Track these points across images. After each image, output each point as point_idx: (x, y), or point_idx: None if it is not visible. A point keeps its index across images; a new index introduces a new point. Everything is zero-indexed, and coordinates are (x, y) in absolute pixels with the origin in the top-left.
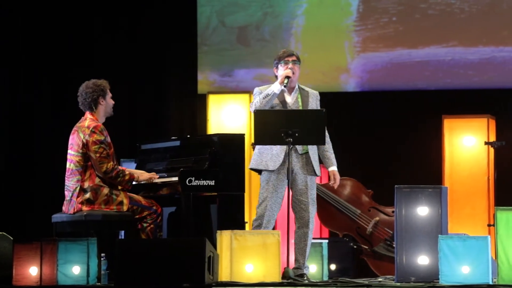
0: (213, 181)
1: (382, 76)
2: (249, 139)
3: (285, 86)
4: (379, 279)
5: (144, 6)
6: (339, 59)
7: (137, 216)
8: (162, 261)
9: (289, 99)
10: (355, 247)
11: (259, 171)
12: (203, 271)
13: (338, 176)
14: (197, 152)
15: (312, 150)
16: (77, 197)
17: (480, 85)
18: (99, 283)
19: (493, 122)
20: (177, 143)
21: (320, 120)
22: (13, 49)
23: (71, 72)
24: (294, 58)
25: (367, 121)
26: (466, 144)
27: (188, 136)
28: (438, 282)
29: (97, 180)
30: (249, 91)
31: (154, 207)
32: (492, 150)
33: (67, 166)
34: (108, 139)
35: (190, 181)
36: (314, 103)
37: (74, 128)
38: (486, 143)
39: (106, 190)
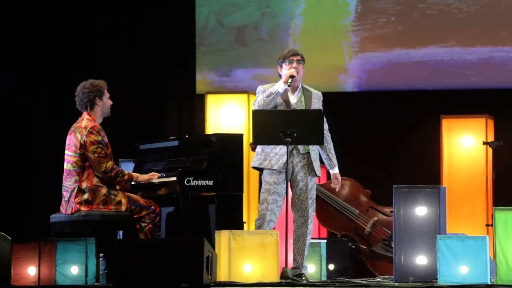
0: (212, 181)
1: (381, 76)
2: (247, 139)
3: (289, 85)
4: (378, 279)
5: (142, 6)
6: (338, 59)
7: (135, 216)
8: (160, 261)
9: (292, 98)
10: (353, 247)
11: (261, 170)
12: (202, 271)
13: (340, 179)
14: (195, 152)
15: (314, 150)
16: (75, 197)
17: (478, 85)
18: (97, 283)
19: (491, 122)
20: (176, 143)
21: (318, 120)
22: (13, 49)
23: (71, 72)
24: (298, 57)
25: (365, 121)
26: (465, 144)
27: (187, 136)
28: (437, 282)
29: (95, 180)
30: (247, 91)
31: (153, 207)
32: (490, 150)
33: (65, 166)
34: (106, 139)
35: (189, 181)
36: (317, 104)
37: (71, 129)
38: (484, 143)
39: (104, 190)
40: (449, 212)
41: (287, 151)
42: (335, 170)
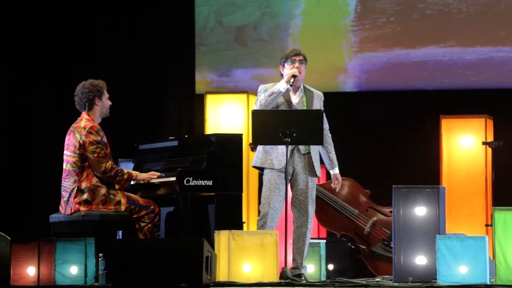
0: (211, 181)
1: (380, 76)
2: (247, 139)
3: (291, 85)
4: (377, 279)
5: (142, 6)
6: (337, 59)
7: (135, 216)
8: (160, 261)
9: (294, 98)
10: (353, 247)
11: (261, 169)
12: (201, 271)
13: (340, 179)
14: (195, 152)
15: (314, 150)
16: (75, 197)
17: (478, 85)
18: (96, 283)
19: (490, 122)
20: (175, 143)
21: (318, 120)
22: (13, 49)
23: (71, 72)
24: (301, 57)
25: (364, 121)
26: (464, 144)
27: (186, 136)
28: (436, 282)
29: (94, 180)
30: (246, 91)
31: (152, 207)
32: (489, 150)
33: (64, 166)
34: (105, 139)
35: (188, 181)
36: (318, 104)
37: (70, 129)
38: (483, 143)
39: (103, 190)
40: (449, 212)
41: (287, 151)
42: (335, 171)
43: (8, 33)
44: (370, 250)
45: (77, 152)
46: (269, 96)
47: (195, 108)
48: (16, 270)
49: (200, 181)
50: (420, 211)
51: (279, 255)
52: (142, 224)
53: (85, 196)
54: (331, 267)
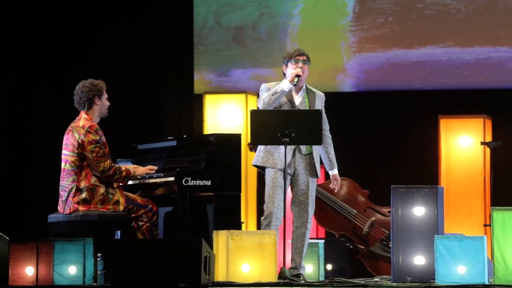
0: (210, 181)
1: (379, 76)
2: (245, 139)
3: (294, 85)
4: (376, 279)
5: (140, 6)
6: (336, 59)
7: (133, 215)
8: (158, 261)
9: (296, 99)
10: (351, 247)
11: (263, 169)
12: (200, 271)
13: (339, 180)
14: (193, 152)
15: (316, 151)
16: (73, 197)
17: (476, 85)
18: (95, 283)
19: (489, 122)
20: (174, 143)
21: (316, 120)
22: (13, 49)
23: (71, 72)
24: (304, 57)
25: (363, 121)
26: (462, 144)
27: (185, 136)
28: (434, 282)
29: (93, 179)
30: (245, 91)
31: (150, 206)
32: (488, 150)
33: (62, 166)
34: (103, 139)
35: (187, 181)
36: (319, 105)
37: (69, 128)
38: (482, 143)
39: (102, 190)
40: (447, 212)
41: (285, 151)
42: (334, 171)
43: (8, 33)
44: (369, 250)
45: (76, 151)
46: (272, 95)
47: (194, 108)
48: (15, 270)
49: (199, 181)
50: (419, 211)
51: (278, 255)
52: (141, 223)
53: (83, 195)
54: (329, 267)
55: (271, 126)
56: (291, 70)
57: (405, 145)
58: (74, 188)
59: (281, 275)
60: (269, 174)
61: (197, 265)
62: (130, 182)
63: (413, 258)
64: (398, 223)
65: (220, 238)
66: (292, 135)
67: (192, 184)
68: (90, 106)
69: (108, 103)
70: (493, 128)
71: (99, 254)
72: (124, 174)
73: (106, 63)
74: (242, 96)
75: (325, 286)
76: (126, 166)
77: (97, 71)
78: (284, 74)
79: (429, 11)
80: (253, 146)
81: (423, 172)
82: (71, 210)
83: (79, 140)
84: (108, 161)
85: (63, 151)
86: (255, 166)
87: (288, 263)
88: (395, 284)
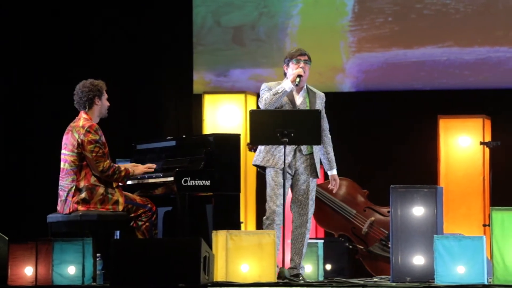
0: (209, 181)
1: (378, 76)
2: (244, 139)
3: (296, 85)
4: (375, 279)
5: (140, 6)
6: (335, 59)
7: (132, 215)
8: (157, 261)
9: (297, 99)
10: (350, 247)
11: (263, 168)
12: (199, 271)
13: (338, 180)
14: (192, 152)
15: (316, 151)
16: (73, 196)
17: (475, 85)
18: (94, 283)
19: (488, 122)
20: (173, 143)
21: (315, 120)
22: (13, 49)
23: (71, 72)
24: (306, 57)
25: (362, 121)
26: (462, 144)
27: (184, 136)
28: (434, 282)
29: (92, 179)
30: (244, 91)
31: (149, 205)
32: (487, 150)
33: (61, 166)
34: (103, 139)
35: (186, 181)
36: (320, 105)
37: (68, 128)
38: (481, 143)
39: (101, 190)
40: (446, 212)
41: (284, 151)
42: (333, 172)
43: (8, 33)
44: (368, 250)
45: (76, 151)
46: (274, 95)
47: (193, 108)
48: (14, 270)
49: (198, 181)
50: (418, 211)
51: (279, 254)
52: (140, 223)
53: (83, 195)
54: (328, 267)
55: (270, 126)
56: (292, 70)
57: (404, 145)
58: (74, 188)
59: (280, 275)
60: (270, 173)
61: (196, 265)
62: (129, 182)
63: (412, 258)
64: (397, 223)
65: (219, 238)
66: (292, 135)
67: (191, 184)
68: (90, 106)
69: (108, 104)
70: (492, 128)
71: (98, 254)
72: (123, 174)
73: (106, 63)
74: (241, 96)
75: (324, 286)
76: (125, 165)
77: (96, 71)
78: (285, 74)
79: (428, 11)
80: (252, 146)
81: (422, 172)
82: (71, 210)
83: (79, 140)
84: (108, 161)
85: (63, 151)
86: (256, 165)
87: (287, 263)
88: (394, 284)
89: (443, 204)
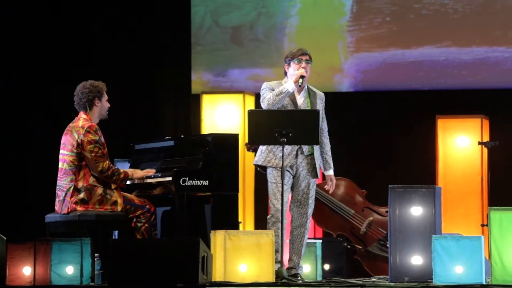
0: (207, 181)
1: (376, 76)
2: (243, 139)
3: (300, 86)
4: (373, 279)
5: (139, 6)
6: (333, 59)
7: (130, 216)
8: (156, 261)
9: (299, 99)
10: (349, 247)
11: (264, 168)
12: (197, 271)
13: (334, 181)
14: (191, 152)
15: (317, 152)
16: (71, 197)
17: (473, 85)
18: (92, 283)
19: (486, 122)
20: (171, 143)
21: (314, 120)
22: (13, 49)
23: (71, 72)
24: (307, 57)
25: (361, 121)
26: (460, 144)
27: (182, 136)
28: (432, 282)
29: (91, 180)
30: (243, 91)
31: (147, 206)
32: (485, 150)
33: (60, 166)
34: (102, 139)
35: (184, 181)
36: (320, 105)
37: (67, 128)
38: (479, 143)
39: (100, 190)
40: (445, 212)
41: (283, 151)
42: (330, 172)
43: (8, 33)
44: (366, 250)
45: (75, 151)
46: (277, 95)
47: (191, 108)
48: (12, 270)
49: (196, 181)
50: (416, 211)
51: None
52: (139, 225)
53: (81, 195)
54: (327, 267)
55: (268, 126)
56: (293, 69)
57: (402, 145)
58: (72, 188)
59: (278, 275)
60: (272, 173)
61: (194, 265)
62: (128, 182)
63: (411, 258)
64: (396, 223)
65: (218, 238)
66: (290, 135)
67: (189, 184)
68: (90, 108)
69: (108, 105)
70: (491, 128)
71: (96, 254)
72: (122, 176)
73: (104, 63)
74: (240, 96)
75: (322, 286)
76: (124, 169)
77: (96, 71)
78: (285, 73)
79: (427, 11)
80: (250, 146)
81: (421, 172)
82: (69, 210)
83: (78, 140)
84: (107, 162)
85: (61, 151)
86: (257, 165)
87: (286, 263)
88: (392, 284)
89: (441, 204)
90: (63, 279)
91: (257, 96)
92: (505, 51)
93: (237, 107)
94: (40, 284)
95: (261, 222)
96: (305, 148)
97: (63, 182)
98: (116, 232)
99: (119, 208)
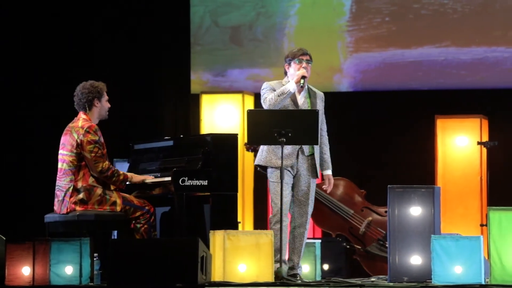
0: (206, 181)
1: (375, 76)
2: (242, 139)
3: (301, 86)
4: (372, 279)
5: (139, 6)
6: (332, 59)
7: (130, 216)
8: (155, 261)
9: (299, 99)
10: (348, 247)
11: (264, 168)
12: (196, 271)
13: (332, 181)
14: (190, 152)
15: (317, 152)
16: (70, 197)
17: (473, 85)
18: (92, 283)
19: (485, 122)
20: (170, 143)
21: (313, 120)
22: (13, 49)
23: (71, 72)
24: (307, 57)
25: (360, 121)
26: (459, 144)
27: (181, 136)
28: (431, 282)
29: (90, 180)
30: (242, 91)
31: (147, 207)
32: (484, 150)
33: (59, 166)
34: (102, 140)
35: (183, 181)
36: (320, 104)
37: (67, 129)
38: (479, 143)
39: (99, 190)
40: (444, 212)
41: (282, 151)
42: (328, 172)
43: (8, 33)
44: (365, 250)
45: (74, 151)
46: (278, 96)
47: (191, 108)
48: (11, 270)
49: (196, 181)
50: (415, 211)
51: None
52: (138, 226)
53: (81, 195)
54: (326, 267)
55: (267, 126)
56: (294, 69)
57: (401, 145)
58: (71, 188)
59: (277, 275)
60: (273, 172)
61: (193, 265)
62: (127, 182)
63: (410, 258)
64: (395, 223)
65: (217, 238)
66: (289, 135)
67: (188, 184)
68: (89, 108)
69: (108, 105)
70: (490, 128)
71: (95, 254)
72: (121, 177)
73: (104, 63)
74: (239, 96)
75: (321, 286)
76: (124, 172)
77: (96, 71)
78: (285, 73)
79: (426, 11)
80: (249, 146)
81: (420, 172)
82: (68, 210)
83: (78, 140)
84: (107, 162)
85: (60, 151)
86: (258, 165)
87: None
88: (391, 284)
89: (441, 204)
90: (62, 279)
91: (257, 96)
92: (504, 51)
93: (236, 107)
94: (39, 284)
95: (260, 222)
96: (306, 149)
97: (63, 182)
98: (115, 232)
99: (118, 208)
